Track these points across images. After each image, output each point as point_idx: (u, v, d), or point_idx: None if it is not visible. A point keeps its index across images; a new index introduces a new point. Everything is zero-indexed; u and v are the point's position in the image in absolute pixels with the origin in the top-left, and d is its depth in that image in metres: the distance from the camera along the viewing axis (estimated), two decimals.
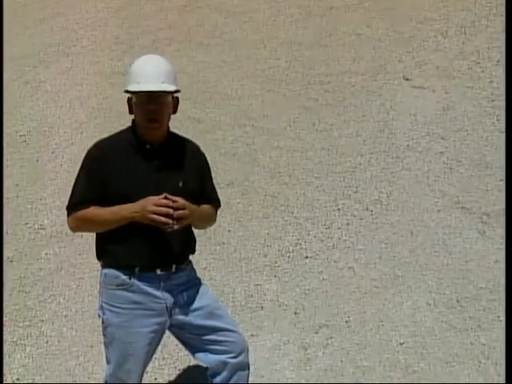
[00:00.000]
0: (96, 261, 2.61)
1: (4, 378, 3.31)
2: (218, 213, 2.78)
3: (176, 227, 2.40)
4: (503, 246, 3.68)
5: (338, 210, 4.14)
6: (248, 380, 2.71)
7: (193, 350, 2.66)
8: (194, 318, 2.57)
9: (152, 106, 2.43)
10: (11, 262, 4.02)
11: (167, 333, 2.65)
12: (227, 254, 3.98)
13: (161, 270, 2.50)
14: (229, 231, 4.08)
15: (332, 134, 4.59)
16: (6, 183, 4.45)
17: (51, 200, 4.37)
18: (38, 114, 5.04)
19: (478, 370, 3.27)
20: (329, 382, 3.28)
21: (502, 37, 4.72)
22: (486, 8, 5.16)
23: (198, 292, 2.61)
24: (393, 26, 5.25)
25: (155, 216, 2.37)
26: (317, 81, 4.98)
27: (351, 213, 4.12)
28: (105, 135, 2.63)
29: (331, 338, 3.49)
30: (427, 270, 3.75)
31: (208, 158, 2.73)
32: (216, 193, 2.74)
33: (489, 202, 4.02)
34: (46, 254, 4.08)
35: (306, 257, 3.92)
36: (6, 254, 4.02)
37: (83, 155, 2.56)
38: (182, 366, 3.42)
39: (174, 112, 2.56)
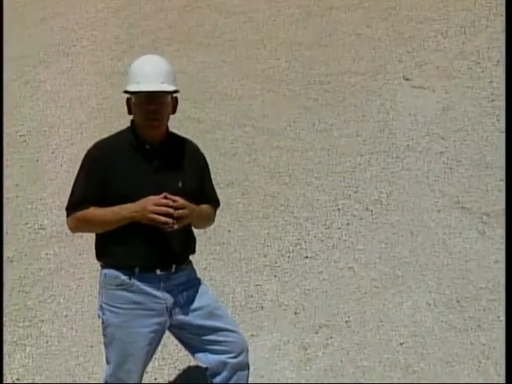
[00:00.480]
0: (96, 261, 2.61)
1: (4, 378, 3.30)
2: (218, 213, 2.78)
3: (176, 227, 2.40)
4: (503, 246, 3.68)
5: (338, 210, 4.14)
6: (248, 380, 2.71)
7: (192, 350, 2.66)
8: (193, 318, 2.57)
9: (151, 106, 2.43)
10: (11, 261, 4.02)
11: (167, 333, 2.65)
12: (227, 254, 3.98)
13: (161, 270, 2.50)
14: (229, 231, 4.08)
15: (332, 134, 4.59)
16: (6, 183, 4.45)
17: (51, 200, 4.37)
18: (38, 114, 5.04)
19: (478, 370, 3.27)
20: (329, 382, 3.28)
21: (502, 37, 4.72)
22: (486, 8, 5.16)
23: (197, 292, 2.61)
24: (393, 26, 5.25)
25: (155, 216, 2.37)
26: (317, 81, 4.98)
27: (351, 213, 4.12)
28: (105, 135, 2.63)
29: (331, 338, 3.49)
30: (427, 270, 3.75)
31: (208, 158, 2.73)
32: (215, 192, 2.74)
33: (489, 202, 4.02)
34: (46, 254, 4.08)
35: (306, 257, 3.92)
36: (6, 253, 4.02)
37: (83, 155, 2.56)
38: (182, 366, 3.42)
39: (174, 112, 2.56)
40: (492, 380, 3.21)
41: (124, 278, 2.48)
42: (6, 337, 3.57)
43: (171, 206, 2.37)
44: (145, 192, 2.41)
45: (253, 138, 4.65)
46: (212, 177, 2.76)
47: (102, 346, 2.63)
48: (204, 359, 2.63)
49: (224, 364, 2.61)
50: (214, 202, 2.72)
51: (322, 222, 4.09)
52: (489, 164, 4.21)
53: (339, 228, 4.05)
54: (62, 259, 4.03)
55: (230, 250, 4.00)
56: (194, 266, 2.70)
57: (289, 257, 3.93)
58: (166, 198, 2.38)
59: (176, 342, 2.76)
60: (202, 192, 2.62)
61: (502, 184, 4.00)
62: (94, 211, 2.46)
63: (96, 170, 2.48)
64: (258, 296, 3.74)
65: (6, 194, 4.37)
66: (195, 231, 2.68)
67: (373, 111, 4.68)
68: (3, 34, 5.22)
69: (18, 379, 3.42)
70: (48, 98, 5.16)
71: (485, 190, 4.09)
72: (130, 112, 2.53)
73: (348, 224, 4.06)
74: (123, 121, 2.60)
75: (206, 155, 2.73)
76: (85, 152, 2.54)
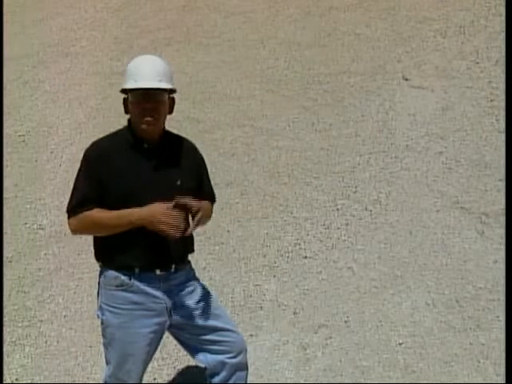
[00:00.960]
0: (95, 261, 2.60)
1: (3, 378, 3.30)
2: (217, 213, 2.80)
3: (187, 234, 2.40)
4: (502, 246, 3.69)
5: (337, 209, 4.14)
6: (247, 380, 2.71)
7: (191, 350, 2.67)
8: (193, 318, 2.57)
9: (149, 104, 2.44)
10: (10, 262, 4.02)
11: (166, 333, 2.65)
12: (226, 254, 3.98)
13: (160, 271, 2.50)
14: (228, 231, 4.08)
15: (331, 134, 4.60)
16: (5, 183, 4.45)
17: (50, 200, 4.37)
18: (37, 114, 5.04)
19: (477, 369, 3.27)
20: (328, 382, 3.28)
21: (501, 37, 4.73)
22: (485, 8, 5.16)
23: (197, 292, 2.62)
24: (392, 26, 5.25)
25: (163, 227, 2.36)
26: (316, 81, 4.98)
27: (350, 213, 4.12)
28: (104, 135, 2.63)
29: (330, 337, 3.50)
30: (426, 270, 3.75)
31: (207, 158, 2.73)
32: (212, 188, 2.75)
33: (488, 202, 4.02)
34: (45, 254, 4.08)
35: (305, 257, 3.92)
36: (5, 254, 4.02)
37: (81, 156, 2.56)
38: (181, 366, 3.42)
39: (170, 112, 2.57)
40: (491, 380, 3.21)
41: (124, 278, 2.48)
42: (5, 337, 3.57)
43: (188, 211, 2.37)
44: (145, 191, 2.42)
45: (252, 137, 4.65)
46: (211, 177, 2.76)
47: (101, 346, 2.63)
48: (203, 359, 2.63)
49: (223, 364, 2.61)
50: (212, 198, 2.74)
51: (321, 222, 4.09)
52: (488, 164, 4.21)
53: (338, 228, 4.05)
54: (61, 259, 4.03)
55: (229, 250, 4.00)
56: (193, 266, 2.70)
57: (288, 257, 3.93)
58: (177, 205, 2.37)
59: (175, 342, 2.76)
60: (201, 189, 2.63)
61: (501, 184, 4.00)
62: (99, 214, 2.43)
63: (96, 170, 2.46)
64: (257, 296, 3.74)
65: (5, 194, 4.37)
66: (195, 231, 2.68)
67: (372, 111, 4.68)
68: (3, 34, 5.23)
69: (16, 379, 3.42)
70: (47, 98, 5.16)
71: (484, 190, 4.09)
72: (126, 111, 2.53)
73: (347, 224, 4.06)
74: (122, 121, 2.60)
75: (205, 155, 2.73)
76: (83, 152, 2.54)
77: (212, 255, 3.95)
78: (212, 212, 2.74)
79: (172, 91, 2.53)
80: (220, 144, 4.61)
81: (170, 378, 3.39)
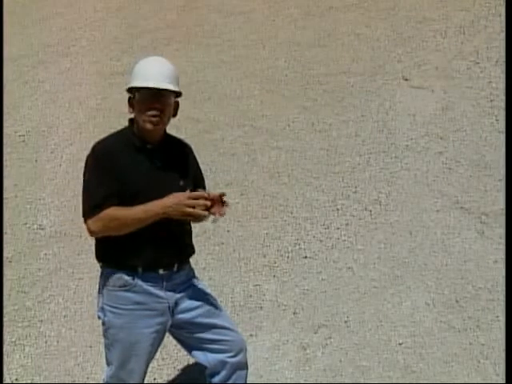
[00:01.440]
0: (95, 261, 2.60)
1: (3, 378, 3.30)
2: None
3: (222, 215, 2.44)
4: (502, 246, 3.69)
5: (337, 210, 4.14)
6: (247, 380, 2.71)
7: (191, 349, 2.67)
8: (193, 317, 2.58)
9: (156, 105, 2.45)
10: (10, 262, 4.02)
11: (166, 333, 2.65)
12: (226, 254, 3.98)
13: (163, 270, 2.50)
14: (228, 231, 4.08)
15: (331, 134, 4.60)
16: (5, 183, 4.44)
17: (50, 200, 4.37)
18: (37, 114, 5.04)
19: (476, 369, 3.27)
20: (328, 382, 3.28)
21: (501, 37, 4.73)
22: (485, 8, 5.16)
23: (196, 291, 2.62)
24: (392, 26, 5.25)
25: (191, 210, 2.36)
26: (316, 81, 4.98)
27: (350, 213, 4.12)
28: (104, 135, 2.62)
29: (330, 338, 3.50)
30: (426, 270, 3.75)
31: (207, 158, 2.76)
32: (204, 181, 2.76)
33: (488, 202, 4.02)
34: (45, 254, 4.07)
35: (305, 257, 3.92)
36: (5, 254, 4.02)
37: (82, 155, 2.55)
38: (181, 365, 3.42)
39: (174, 115, 2.59)
40: (491, 380, 3.22)
41: (127, 278, 2.47)
42: (5, 337, 3.57)
43: (206, 198, 2.40)
44: (150, 191, 2.42)
45: (252, 137, 4.65)
46: (211, 177, 2.79)
47: (101, 346, 2.63)
48: (203, 358, 2.64)
49: (223, 363, 2.61)
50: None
51: (321, 222, 4.09)
52: (488, 164, 4.22)
53: (338, 228, 4.05)
54: (61, 259, 4.03)
55: (229, 250, 4.00)
56: (193, 266, 2.70)
57: (288, 257, 3.93)
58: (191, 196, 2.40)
59: (175, 342, 2.76)
60: (198, 185, 2.63)
61: (501, 184, 4.00)
62: (121, 210, 2.39)
63: (109, 166, 2.42)
64: (257, 296, 3.75)
65: (4, 194, 4.37)
66: (195, 231, 2.68)
67: (372, 111, 4.68)
68: (3, 34, 5.22)
69: (16, 379, 3.42)
70: (47, 98, 5.16)
71: (484, 190, 4.09)
72: (130, 111, 2.53)
73: (347, 224, 4.06)
74: (123, 121, 2.60)
75: (205, 155, 2.76)
76: (84, 152, 2.53)
77: (212, 255, 3.95)
78: None
79: (178, 95, 2.55)
80: (220, 144, 4.61)
81: (170, 378, 3.39)
